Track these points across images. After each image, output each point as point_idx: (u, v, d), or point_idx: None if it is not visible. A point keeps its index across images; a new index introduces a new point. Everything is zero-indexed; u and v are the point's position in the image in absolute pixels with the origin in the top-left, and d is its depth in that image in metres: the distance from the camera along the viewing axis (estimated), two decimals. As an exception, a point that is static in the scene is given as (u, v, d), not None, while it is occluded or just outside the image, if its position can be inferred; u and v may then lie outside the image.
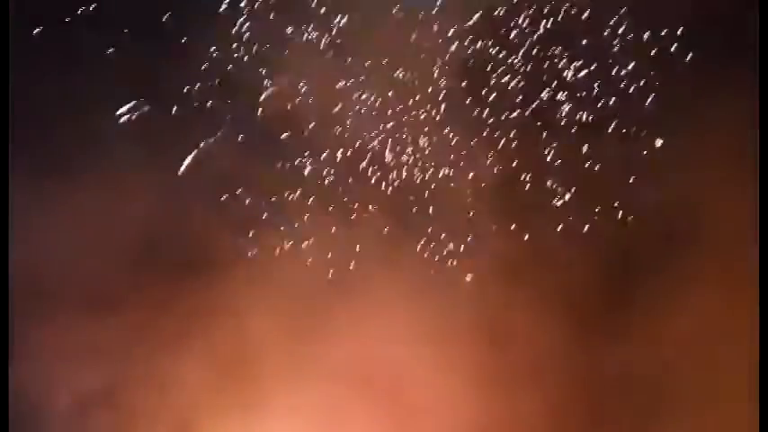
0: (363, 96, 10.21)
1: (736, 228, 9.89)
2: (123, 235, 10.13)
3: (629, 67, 10.08)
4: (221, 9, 10.17)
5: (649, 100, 10.08)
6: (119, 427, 10.08)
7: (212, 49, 10.17)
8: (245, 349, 10.18)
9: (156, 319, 10.07)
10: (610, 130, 10.14)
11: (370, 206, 10.26)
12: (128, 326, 10.07)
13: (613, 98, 10.12)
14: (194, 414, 10.16)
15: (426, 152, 10.26)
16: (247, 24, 10.17)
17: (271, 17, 10.19)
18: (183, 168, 10.10)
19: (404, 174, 10.27)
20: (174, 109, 10.16)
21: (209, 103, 10.17)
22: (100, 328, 10.01)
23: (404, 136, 10.26)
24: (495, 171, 10.21)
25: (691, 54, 10.00)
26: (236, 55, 10.19)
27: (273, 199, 10.22)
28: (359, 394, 10.10)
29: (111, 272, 10.09)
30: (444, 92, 10.20)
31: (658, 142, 10.10)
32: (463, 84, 10.19)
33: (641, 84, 10.07)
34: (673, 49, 10.03)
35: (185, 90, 10.17)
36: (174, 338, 10.08)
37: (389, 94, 10.21)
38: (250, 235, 10.22)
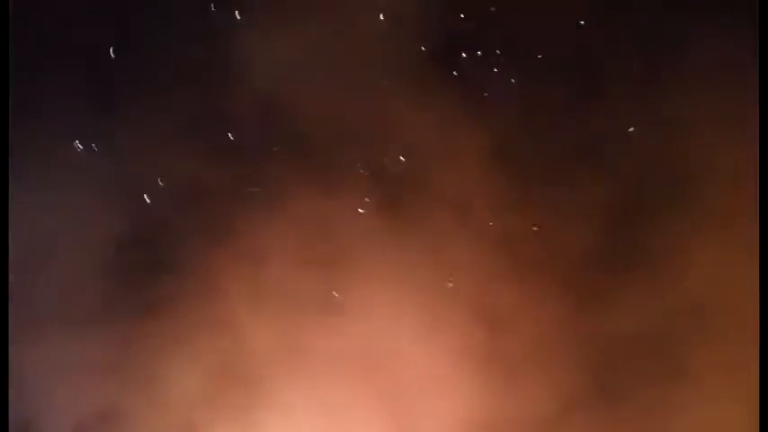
0: (347, 100, 10.11)
1: (737, 185, 9.78)
2: (106, 246, 10.00)
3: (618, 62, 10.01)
4: (191, 14, 10.04)
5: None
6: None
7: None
8: (239, 352, 10.08)
9: (149, 328, 9.97)
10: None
11: (361, 206, 10.17)
12: (118, 337, 9.96)
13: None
14: (192, 420, 10.08)
15: (415, 149, 10.19)
16: (220, 29, 10.03)
17: (244, 20, 10.05)
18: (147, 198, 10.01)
19: (393, 173, 10.20)
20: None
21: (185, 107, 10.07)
22: (89, 342, 9.90)
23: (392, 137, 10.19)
24: (489, 143, 10.10)
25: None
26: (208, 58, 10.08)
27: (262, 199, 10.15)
28: (357, 387, 10.02)
29: (95, 284, 9.96)
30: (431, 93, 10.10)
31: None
32: (450, 83, 10.10)
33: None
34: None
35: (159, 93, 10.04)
36: (167, 345, 9.99)
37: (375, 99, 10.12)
38: (239, 236, 10.09)
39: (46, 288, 9.92)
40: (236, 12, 10.06)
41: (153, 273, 9.99)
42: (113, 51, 10.07)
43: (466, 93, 10.10)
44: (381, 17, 10.04)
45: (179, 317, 9.98)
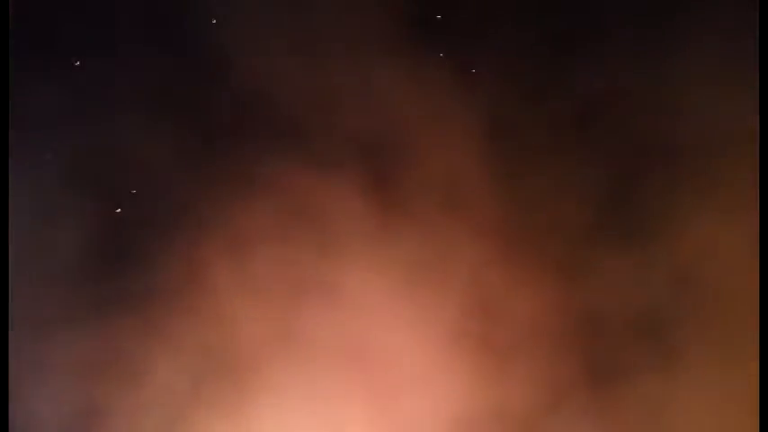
0: (336, 82, 9.95)
1: (735, 156, 9.60)
2: (82, 241, 9.77)
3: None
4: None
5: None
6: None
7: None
8: (226, 344, 9.85)
9: (130, 323, 9.76)
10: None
11: (350, 192, 9.97)
12: (100, 335, 9.72)
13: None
14: (180, 413, 9.85)
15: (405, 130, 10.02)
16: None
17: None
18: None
19: (382, 157, 10.03)
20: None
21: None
22: (68, 341, 9.67)
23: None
24: (480, 126, 9.96)
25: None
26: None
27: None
28: (348, 377, 9.81)
29: (72, 281, 9.72)
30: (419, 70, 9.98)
31: None
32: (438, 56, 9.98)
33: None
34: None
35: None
36: (150, 340, 9.78)
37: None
38: (225, 224, 9.90)
39: (21, 286, 9.63)
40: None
41: (133, 265, 9.81)
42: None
43: (455, 66, 9.98)
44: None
45: (162, 310, 9.79)
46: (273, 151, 9.94)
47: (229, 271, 9.89)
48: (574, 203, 9.85)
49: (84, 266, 9.76)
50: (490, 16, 10.08)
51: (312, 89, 9.99)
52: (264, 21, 9.98)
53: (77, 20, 9.98)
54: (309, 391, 9.82)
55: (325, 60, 9.99)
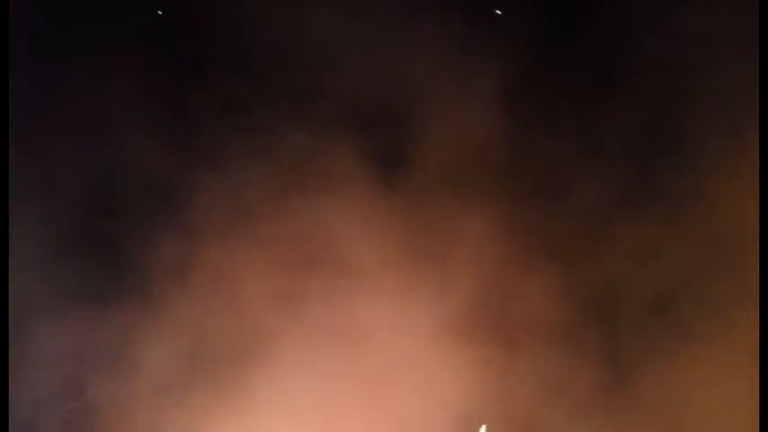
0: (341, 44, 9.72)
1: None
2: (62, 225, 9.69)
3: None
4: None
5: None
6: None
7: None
8: (225, 322, 9.72)
9: (122, 310, 9.66)
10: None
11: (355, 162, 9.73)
12: (91, 324, 9.64)
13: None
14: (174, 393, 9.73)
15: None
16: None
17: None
18: None
19: (386, 130, 9.77)
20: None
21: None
22: (58, 331, 9.61)
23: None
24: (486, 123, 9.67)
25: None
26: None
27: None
28: (352, 364, 9.61)
29: (60, 269, 9.64)
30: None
31: None
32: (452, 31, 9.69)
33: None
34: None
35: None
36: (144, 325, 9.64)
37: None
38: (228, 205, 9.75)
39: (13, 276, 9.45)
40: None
41: (129, 246, 9.68)
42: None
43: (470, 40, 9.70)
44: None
45: (160, 294, 9.65)
46: (276, 122, 9.71)
47: (230, 252, 9.73)
48: (590, 182, 9.53)
49: (75, 253, 9.70)
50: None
51: (315, 54, 9.77)
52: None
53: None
54: (310, 380, 9.61)
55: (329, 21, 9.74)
